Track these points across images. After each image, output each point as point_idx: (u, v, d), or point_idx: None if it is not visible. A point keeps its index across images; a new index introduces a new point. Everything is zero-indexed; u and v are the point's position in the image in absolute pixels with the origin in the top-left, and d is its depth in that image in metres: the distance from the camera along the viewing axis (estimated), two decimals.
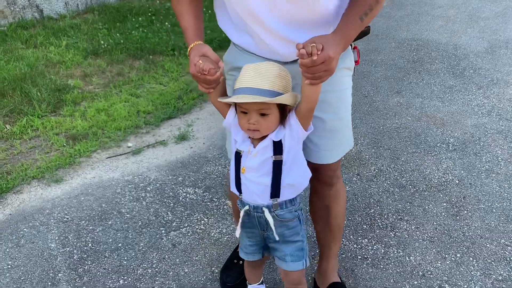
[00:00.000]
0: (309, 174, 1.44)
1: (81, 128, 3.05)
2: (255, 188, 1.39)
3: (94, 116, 3.22)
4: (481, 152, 2.86)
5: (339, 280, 1.77)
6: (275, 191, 1.38)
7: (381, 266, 1.94)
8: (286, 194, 1.39)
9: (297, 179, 1.40)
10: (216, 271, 1.90)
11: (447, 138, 3.03)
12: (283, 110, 1.33)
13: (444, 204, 2.36)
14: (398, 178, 2.59)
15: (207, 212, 2.29)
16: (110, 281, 1.84)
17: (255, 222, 1.43)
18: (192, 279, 1.87)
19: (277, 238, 1.41)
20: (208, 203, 2.36)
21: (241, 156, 1.40)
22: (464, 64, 4.25)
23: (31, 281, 1.84)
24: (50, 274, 1.87)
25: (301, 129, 1.35)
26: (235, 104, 1.38)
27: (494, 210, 2.31)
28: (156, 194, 2.43)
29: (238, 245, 1.77)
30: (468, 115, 3.37)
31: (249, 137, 1.38)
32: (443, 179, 2.58)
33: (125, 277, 1.87)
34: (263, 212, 1.40)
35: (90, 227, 2.16)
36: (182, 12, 1.42)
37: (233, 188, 1.45)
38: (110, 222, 2.20)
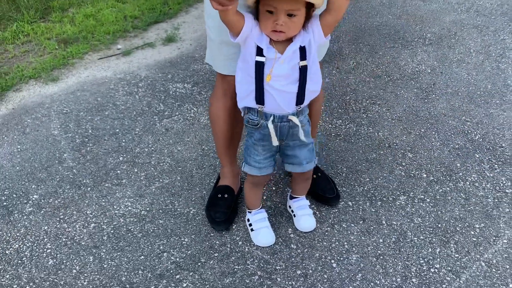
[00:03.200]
0: (321, 79, 1.47)
1: (71, 33, 3.14)
2: (283, 97, 1.39)
3: (82, 22, 3.29)
4: (455, 45, 3.01)
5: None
6: (300, 98, 1.41)
7: (352, 141, 2.17)
8: (307, 100, 1.44)
9: (317, 85, 1.45)
10: (206, 148, 2.13)
11: (424, 34, 3.16)
12: (309, 12, 1.32)
13: (415, 90, 2.56)
14: (375, 69, 2.76)
15: (196, 103, 2.47)
16: (111, 158, 2.07)
17: (276, 132, 1.44)
18: (185, 155, 2.09)
19: (305, 141, 1.47)
20: (196, 96, 2.54)
21: (263, 66, 1.36)
22: None
23: (40, 161, 2.06)
24: (57, 155, 2.09)
25: (322, 36, 1.35)
26: (257, 7, 1.32)
27: (459, 94, 2.51)
28: (148, 89, 2.60)
29: (217, 181, 1.86)
30: (448, 12, 3.47)
31: (270, 44, 1.35)
32: (416, 69, 2.76)
33: (124, 155, 2.09)
34: (288, 120, 1.43)
35: (89, 117, 2.35)
36: None
37: (251, 103, 1.42)
38: (106, 113, 2.38)
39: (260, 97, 1.39)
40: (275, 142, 1.45)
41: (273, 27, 1.29)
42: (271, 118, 1.42)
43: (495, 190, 1.88)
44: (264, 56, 1.34)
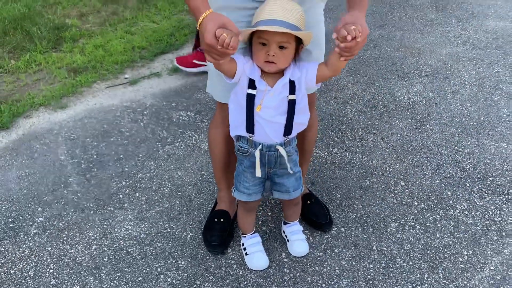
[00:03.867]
0: (309, 113, 1.56)
1: (80, 62, 3.28)
2: (271, 127, 1.48)
3: (92, 52, 3.44)
4: (450, 77, 3.11)
5: (308, 191, 2.03)
6: (288, 129, 1.50)
7: (347, 169, 2.25)
8: (295, 131, 1.53)
9: (304, 118, 1.55)
10: (205, 174, 2.21)
11: (421, 66, 3.27)
12: (298, 47, 1.42)
13: (410, 120, 2.64)
14: (371, 100, 2.85)
15: (197, 130, 2.57)
16: (114, 183, 2.15)
17: (264, 160, 1.54)
18: (185, 180, 2.17)
19: (291, 171, 1.56)
20: (199, 123, 2.64)
21: (253, 98, 1.45)
22: None
23: (47, 184, 2.15)
24: (62, 179, 2.18)
25: (314, 81, 1.47)
26: (251, 39, 1.41)
27: (453, 124, 2.59)
28: (152, 117, 2.71)
29: (215, 205, 1.95)
30: (444, 45, 3.58)
31: (261, 78, 1.45)
32: (411, 100, 2.85)
33: (127, 180, 2.18)
34: (276, 150, 1.51)
35: (95, 143, 2.45)
36: None
37: (242, 131, 1.51)
38: (112, 139, 2.49)
39: (250, 126, 1.49)
40: (258, 173, 1.54)
41: (266, 58, 1.39)
42: (259, 146, 1.51)
43: (484, 218, 1.94)
44: (255, 89, 1.44)
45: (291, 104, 1.47)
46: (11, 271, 1.71)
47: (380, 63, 3.31)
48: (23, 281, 1.67)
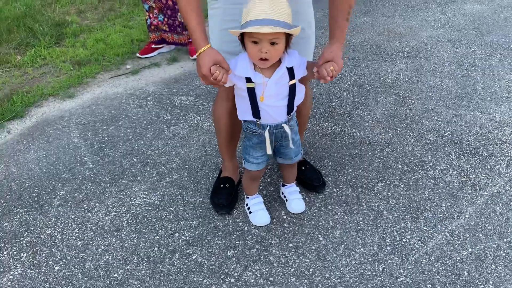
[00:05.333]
0: (303, 87, 1.71)
1: (83, 56, 3.47)
2: (275, 111, 1.64)
3: (93, 46, 3.63)
4: (431, 57, 3.34)
5: (303, 159, 2.24)
6: (290, 108, 1.67)
7: (337, 140, 2.47)
8: (295, 107, 1.70)
9: (301, 94, 1.73)
10: (209, 149, 2.42)
11: (403, 48, 3.50)
12: (288, 40, 1.53)
13: (393, 96, 2.87)
14: (358, 79, 3.08)
15: (199, 112, 2.78)
16: (126, 160, 2.36)
17: (272, 138, 1.70)
18: (191, 155, 2.38)
19: (292, 146, 1.74)
20: (199, 106, 2.85)
21: (254, 90, 1.59)
22: None
23: (64, 164, 2.35)
24: (78, 158, 2.38)
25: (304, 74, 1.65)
26: (242, 37, 1.53)
27: (433, 98, 2.82)
28: (156, 102, 2.91)
29: (220, 174, 2.15)
30: (425, 29, 3.82)
31: (256, 71, 1.57)
32: (395, 78, 3.08)
33: (137, 157, 2.38)
34: (282, 127, 1.69)
35: (104, 127, 2.65)
36: (191, 11, 1.52)
37: (249, 117, 1.67)
38: (120, 123, 2.69)
39: (256, 113, 1.65)
40: (269, 151, 1.73)
41: (259, 56, 1.49)
42: (268, 128, 1.69)
43: (460, 176, 2.17)
44: (254, 82, 1.59)
45: (292, 88, 1.63)
46: (41, 236, 1.91)
47: (365, 47, 3.54)
48: (52, 243, 1.87)
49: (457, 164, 2.25)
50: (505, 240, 1.83)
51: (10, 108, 2.81)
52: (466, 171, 2.20)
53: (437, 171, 2.21)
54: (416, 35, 3.69)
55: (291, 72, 1.60)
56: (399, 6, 4.30)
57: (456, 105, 2.74)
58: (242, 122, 1.77)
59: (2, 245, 1.87)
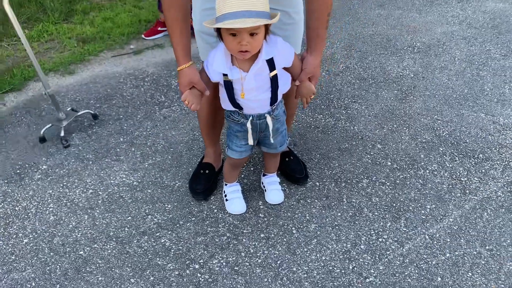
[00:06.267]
0: (289, 75, 1.62)
1: (90, 33, 3.47)
2: (258, 104, 1.57)
3: (101, 24, 3.62)
4: (442, 54, 3.21)
5: (288, 149, 2.19)
6: (274, 99, 1.59)
7: (329, 133, 2.40)
8: (279, 97, 1.63)
9: (287, 84, 1.65)
10: (197, 134, 2.39)
11: (414, 43, 3.37)
12: (267, 28, 1.43)
13: (395, 91, 2.77)
14: (361, 73, 2.98)
15: None
16: (112, 139, 2.34)
17: (255, 128, 1.64)
18: (178, 138, 2.35)
19: (272, 141, 1.69)
20: None
21: (231, 84, 1.52)
22: None
23: (51, 138, 2.35)
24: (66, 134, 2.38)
25: (290, 64, 1.56)
26: (218, 31, 1.42)
27: (436, 96, 2.71)
28: (153, 83, 2.88)
29: (202, 158, 2.10)
30: (441, 24, 3.67)
31: (233, 65, 1.48)
32: (400, 73, 2.97)
33: (124, 137, 2.36)
34: (265, 118, 1.62)
35: (97, 105, 2.64)
36: (175, 28, 1.49)
37: (229, 107, 1.61)
38: (114, 102, 2.68)
39: (236, 106, 1.59)
40: (251, 141, 1.68)
41: (239, 48, 1.39)
42: (250, 118, 1.63)
43: (451, 178, 2.08)
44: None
45: (274, 79, 1.53)
46: (16, 208, 1.91)
47: (376, 40, 3.42)
48: (25, 216, 1.87)
49: (450, 165, 2.15)
50: (487, 247, 1.74)
51: (9, 81, 2.84)
52: (458, 174, 2.10)
53: (428, 171, 2.12)
54: (430, 31, 3.55)
55: (271, 63, 1.51)
56: (418, 0, 4.14)
57: (460, 104, 2.62)
58: (225, 111, 1.71)
59: None
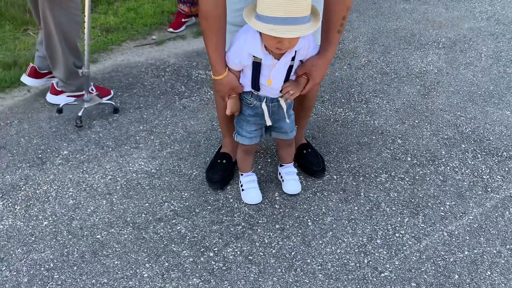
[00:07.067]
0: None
1: (113, 23, 3.51)
2: (276, 89, 1.63)
3: (124, 14, 3.66)
4: (467, 50, 3.14)
5: (306, 142, 2.18)
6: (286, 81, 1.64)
7: (349, 126, 2.37)
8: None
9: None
10: (215, 124, 2.39)
11: (439, 38, 3.30)
12: None
13: (418, 86, 2.72)
14: (384, 67, 2.94)
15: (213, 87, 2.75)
16: (132, 127, 2.37)
17: (268, 110, 1.66)
18: (196, 128, 2.36)
19: (287, 120, 1.70)
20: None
21: (259, 66, 1.54)
22: None
23: (73, 125, 2.38)
24: (87, 121, 2.41)
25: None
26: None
27: (460, 92, 2.65)
28: (173, 73, 2.90)
29: (219, 149, 2.11)
30: (467, 20, 3.59)
31: (266, 50, 1.50)
32: (424, 69, 2.91)
33: (144, 125, 2.38)
34: (278, 101, 1.66)
35: (119, 93, 2.67)
36: (210, 34, 1.51)
37: (248, 88, 1.63)
38: (134, 91, 2.70)
39: (256, 86, 1.62)
40: (268, 122, 1.69)
41: (278, 46, 1.43)
42: (264, 100, 1.66)
43: (473, 176, 2.03)
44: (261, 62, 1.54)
45: (290, 68, 1.60)
46: (37, 191, 1.95)
47: (399, 34, 3.37)
48: (46, 199, 1.91)
49: (472, 162, 2.10)
50: (507, 247, 1.69)
51: None
52: (480, 171, 2.05)
53: (449, 168, 2.08)
54: (456, 26, 3.47)
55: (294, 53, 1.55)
56: None
57: (485, 101, 2.56)
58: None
59: (0, 195, 1.93)
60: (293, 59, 1.57)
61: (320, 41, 1.61)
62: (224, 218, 1.82)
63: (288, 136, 1.79)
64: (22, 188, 1.97)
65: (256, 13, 1.41)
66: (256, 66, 1.56)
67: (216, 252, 1.68)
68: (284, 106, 1.67)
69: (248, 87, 1.64)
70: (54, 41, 2.36)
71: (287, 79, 1.63)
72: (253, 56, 1.53)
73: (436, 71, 2.88)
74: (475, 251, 1.68)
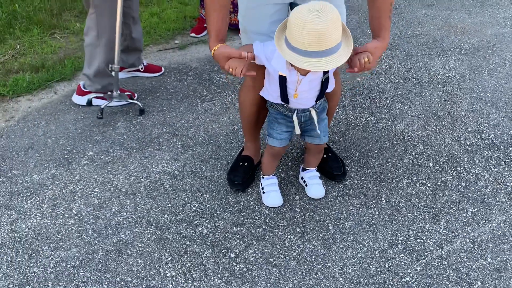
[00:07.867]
0: (333, 78, 1.73)
1: None
2: (305, 101, 1.67)
3: (148, 19, 3.73)
4: (491, 56, 3.10)
5: (327, 146, 2.16)
6: (320, 97, 1.69)
7: (370, 131, 2.37)
8: (323, 97, 1.74)
9: (332, 84, 1.72)
10: (237, 128, 2.42)
11: (462, 44, 3.28)
12: None
13: (440, 92, 2.70)
14: (406, 73, 2.93)
15: (235, 90, 2.78)
16: (156, 129, 2.41)
17: (299, 120, 1.71)
18: (218, 131, 2.39)
19: (318, 132, 1.73)
20: (236, 85, 2.84)
21: (285, 80, 1.58)
22: None
23: (98, 127, 2.44)
24: (112, 123, 2.47)
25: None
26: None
27: (483, 98, 2.63)
28: (195, 77, 2.94)
29: (241, 152, 2.14)
30: (491, 26, 3.55)
31: (291, 66, 1.54)
32: (446, 75, 2.89)
33: (167, 128, 2.43)
34: (309, 111, 1.70)
35: (143, 96, 2.72)
36: (212, 11, 1.56)
37: (277, 100, 1.68)
38: (158, 94, 2.75)
39: (285, 100, 1.66)
40: (298, 131, 1.72)
41: (307, 70, 1.49)
42: (295, 111, 1.69)
43: (496, 182, 2.01)
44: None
45: (325, 82, 1.63)
46: (63, 191, 2.01)
47: (421, 40, 3.35)
48: (72, 198, 1.96)
49: (496, 169, 2.08)
50: None
51: (60, 71, 2.96)
52: (503, 178, 2.03)
53: (471, 174, 2.06)
54: (479, 32, 3.44)
55: None
56: (467, 1, 4.02)
57: (508, 108, 2.53)
58: (267, 101, 1.76)
59: (28, 194, 1.99)
60: (325, 73, 1.60)
61: (374, 29, 1.62)
62: (245, 220, 1.84)
63: (321, 140, 1.81)
64: (49, 187, 2.02)
65: (286, 37, 1.42)
66: (282, 81, 1.60)
67: (237, 253, 1.70)
68: (315, 116, 1.70)
69: (278, 99, 1.67)
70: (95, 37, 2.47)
71: (323, 90, 1.65)
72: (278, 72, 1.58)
73: (458, 77, 2.86)
74: (498, 258, 1.66)
